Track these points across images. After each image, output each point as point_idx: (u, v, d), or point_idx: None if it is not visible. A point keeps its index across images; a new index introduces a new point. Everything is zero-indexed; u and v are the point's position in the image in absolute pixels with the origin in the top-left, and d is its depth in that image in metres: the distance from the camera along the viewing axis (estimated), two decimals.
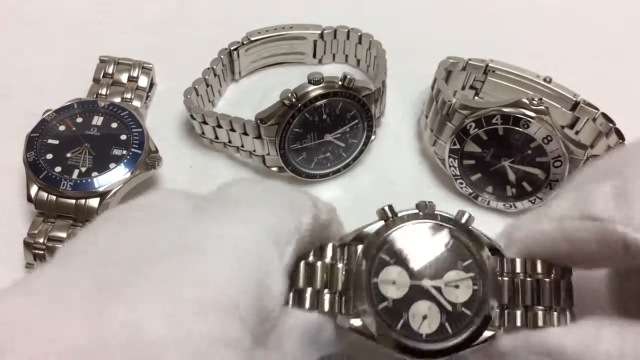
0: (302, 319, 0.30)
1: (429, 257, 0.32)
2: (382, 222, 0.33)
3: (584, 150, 0.43)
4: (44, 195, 0.43)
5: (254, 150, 0.46)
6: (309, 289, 0.31)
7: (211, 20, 0.59)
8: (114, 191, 0.43)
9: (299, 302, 0.31)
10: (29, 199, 0.43)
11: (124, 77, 0.50)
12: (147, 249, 0.26)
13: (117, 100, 0.49)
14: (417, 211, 0.33)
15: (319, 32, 0.53)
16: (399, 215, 0.33)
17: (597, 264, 0.32)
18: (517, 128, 0.43)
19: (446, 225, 0.33)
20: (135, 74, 0.50)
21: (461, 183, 0.47)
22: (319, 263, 0.32)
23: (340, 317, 0.31)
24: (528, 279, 0.32)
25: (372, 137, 0.48)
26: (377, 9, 0.61)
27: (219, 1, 0.61)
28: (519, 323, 0.32)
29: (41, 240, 0.42)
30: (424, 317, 0.31)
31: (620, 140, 0.45)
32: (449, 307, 0.31)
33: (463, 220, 0.33)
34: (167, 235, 0.27)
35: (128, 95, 0.49)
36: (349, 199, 0.48)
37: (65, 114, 0.46)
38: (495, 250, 0.33)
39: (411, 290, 0.31)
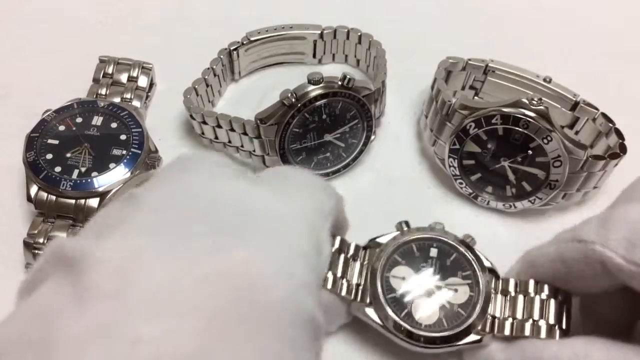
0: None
1: (435, 264, 0.39)
2: (396, 233, 0.40)
3: (584, 150, 0.43)
4: (44, 195, 0.43)
5: (254, 150, 0.46)
6: (330, 273, 0.37)
7: (211, 20, 0.59)
8: (113, 191, 0.43)
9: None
10: (29, 199, 0.43)
11: (123, 77, 0.50)
12: (237, 204, 0.29)
13: (117, 100, 0.49)
14: (428, 227, 0.40)
15: (319, 32, 0.53)
16: (412, 228, 0.40)
17: (589, 285, 0.35)
18: (516, 128, 0.43)
19: (452, 242, 0.40)
20: (135, 74, 0.50)
21: (461, 183, 0.47)
22: (342, 255, 0.38)
23: (355, 303, 0.38)
24: (520, 295, 0.38)
25: (372, 137, 0.48)
26: (377, 9, 0.61)
27: (219, 1, 0.61)
28: (507, 332, 0.37)
29: (41, 240, 0.42)
30: (424, 310, 0.38)
31: (620, 140, 0.45)
32: (447, 306, 0.38)
33: (468, 240, 0.40)
34: (253, 198, 0.30)
35: (128, 95, 0.49)
36: (349, 199, 0.48)
37: (65, 114, 0.47)
38: (492, 271, 0.39)
39: (417, 287, 0.38)
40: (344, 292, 0.37)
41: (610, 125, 0.46)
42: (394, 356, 0.40)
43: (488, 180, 0.46)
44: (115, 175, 0.44)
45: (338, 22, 0.53)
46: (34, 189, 0.43)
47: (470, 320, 0.37)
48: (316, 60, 0.55)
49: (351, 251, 0.39)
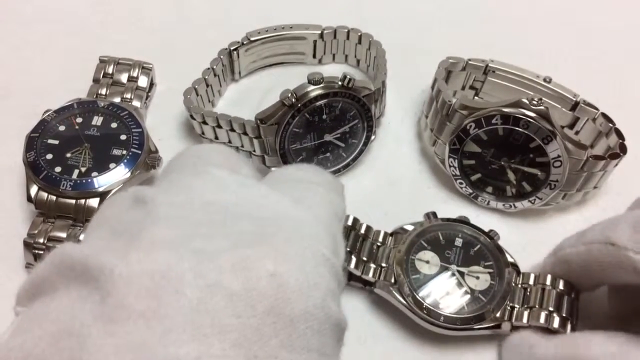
0: None
1: (459, 252, 0.42)
2: (423, 221, 0.43)
3: (584, 150, 0.43)
4: (44, 195, 0.43)
5: (254, 151, 0.46)
6: (353, 256, 0.41)
7: (211, 20, 0.59)
8: (113, 191, 0.43)
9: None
10: (29, 199, 0.43)
11: (123, 77, 0.50)
12: (255, 212, 0.29)
13: (117, 100, 0.49)
14: (455, 219, 0.43)
15: (319, 32, 0.53)
16: (439, 218, 0.43)
17: (614, 282, 0.38)
18: (517, 128, 0.43)
19: (478, 234, 0.42)
20: (135, 74, 0.50)
21: (461, 183, 0.47)
22: (368, 240, 0.42)
23: (380, 282, 0.41)
24: (537, 287, 0.40)
25: (372, 137, 0.48)
26: (377, 9, 0.61)
27: (219, 1, 0.61)
28: (524, 320, 0.39)
29: (41, 240, 0.42)
30: (447, 293, 0.40)
31: (620, 140, 0.45)
32: (468, 290, 0.40)
33: (492, 234, 0.42)
34: (269, 203, 0.30)
35: (128, 95, 0.49)
36: (349, 199, 0.48)
37: (65, 114, 0.47)
38: (514, 266, 0.41)
39: (440, 270, 0.41)
40: (370, 275, 0.41)
41: (611, 125, 0.46)
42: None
43: (488, 180, 0.46)
44: (116, 175, 0.44)
45: (338, 22, 0.53)
46: (34, 189, 0.43)
47: (490, 306, 0.39)
48: (316, 61, 0.55)
49: (380, 238, 0.43)
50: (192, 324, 0.23)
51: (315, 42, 0.54)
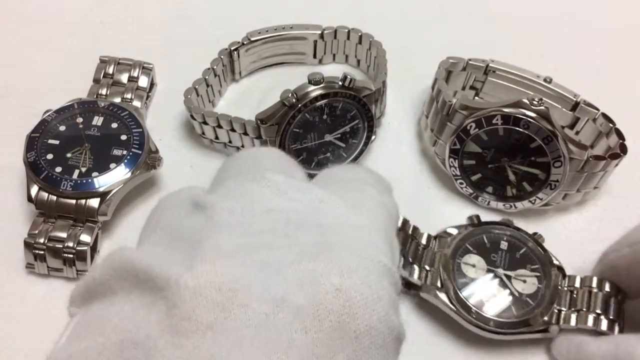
0: None
1: (505, 256, 0.42)
2: (466, 224, 0.43)
3: (584, 150, 0.43)
4: (45, 195, 0.43)
5: None
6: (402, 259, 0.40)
7: (211, 20, 0.59)
8: (114, 191, 0.43)
9: None
10: (29, 199, 0.43)
11: (124, 77, 0.50)
12: (314, 218, 0.28)
13: (117, 100, 0.49)
14: (499, 222, 0.43)
15: (319, 32, 0.53)
16: (483, 221, 0.43)
17: None
18: (517, 128, 0.43)
19: (522, 236, 0.42)
20: (135, 74, 0.50)
21: (461, 183, 0.47)
22: (413, 241, 0.41)
23: (426, 286, 0.40)
24: (584, 290, 0.40)
25: (373, 137, 0.48)
26: (377, 9, 0.61)
27: (219, 1, 0.61)
28: (573, 323, 0.39)
29: (41, 240, 0.42)
30: (494, 296, 0.40)
31: (620, 140, 0.45)
32: (516, 294, 0.40)
33: (537, 237, 0.42)
34: (327, 210, 0.29)
35: (128, 96, 0.49)
36: None
37: (65, 114, 0.46)
38: (560, 269, 0.41)
39: (486, 274, 0.41)
40: (415, 277, 0.40)
41: (611, 125, 0.46)
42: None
43: (488, 180, 0.46)
44: (116, 175, 0.44)
45: (338, 22, 0.53)
46: (34, 189, 0.43)
47: (537, 310, 0.39)
48: (316, 61, 0.55)
49: (424, 240, 0.42)
50: (260, 338, 0.23)
51: (315, 42, 0.54)
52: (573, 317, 0.39)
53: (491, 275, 0.41)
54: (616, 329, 0.39)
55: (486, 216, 0.47)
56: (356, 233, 0.28)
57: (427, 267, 0.41)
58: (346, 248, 0.27)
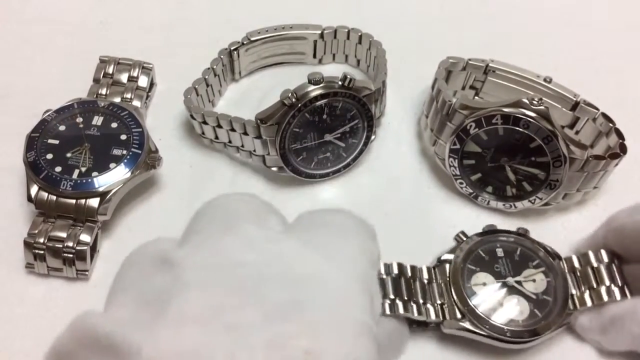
0: (385, 325, 0.35)
1: (506, 262, 0.41)
2: (455, 245, 0.42)
3: (584, 150, 0.43)
4: (44, 195, 0.43)
5: (254, 150, 0.46)
6: (413, 303, 0.39)
7: (211, 20, 0.59)
8: (114, 191, 0.43)
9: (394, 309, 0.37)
10: (29, 198, 0.43)
11: (124, 77, 0.50)
12: (286, 274, 0.27)
13: (117, 100, 0.49)
14: (483, 231, 0.43)
15: (319, 32, 0.53)
16: (470, 236, 0.42)
17: None
18: (517, 128, 0.43)
19: (512, 237, 0.42)
20: (135, 74, 0.50)
21: (461, 183, 0.47)
22: (417, 281, 0.40)
23: (447, 322, 0.39)
24: (587, 268, 0.41)
25: (372, 137, 0.48)
26: (377, 9, 0.61)
27: (219, 1, 0.61)
28: (589, 304, 0.40)
29: (41, 240, 0.42)
30: (517, 307, 0.40)
31: (621, 140, 0.45)
32: (533, 296, 0.40)
33: (523, 232, 0.42)
34: (300, 263, 0.28)
35: (128, 95, 0.49)
36: (349, 199, 0.48)
37: (65, 113, 0.46)
38: (556, 254, 0.42)
39: (500, 288, 0.40)
40: (433, 316, 0.39)
41: (611, 125, 0.46)
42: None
43: (488, 180, 0.46)
44: (116, 175, 0.44)
45: (338, 22, 0.53)
46: (34, 189, 0.43)
47: (559, 303, 0.40)
48: (316, 60, 0.55)
49: (425, 275, 0.41)
50: None
51: (315, 42, 0.54)
52: (587, 297, 0.40)
53: (503, 287, 0.40)
54: (627, 292, 0.40)
55: (486, 216, 0.47)
56: (330, 288, 0.27)
57: (439, 302, 0.40)
58: (318, 306, 0.25)
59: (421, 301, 0.39)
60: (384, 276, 0.39)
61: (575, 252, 0.43)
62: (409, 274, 0.40)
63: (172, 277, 0.26)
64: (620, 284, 0.40)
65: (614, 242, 0.41)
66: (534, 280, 0.41)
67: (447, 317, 0.39)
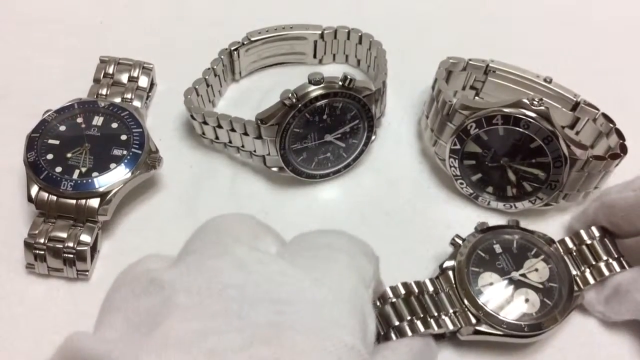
0: (413, 345, 0.36)
1: (506, 257, 0.42)
2: (453, 250, 0.42)
3: (585, 150, 0.43)
4: (45, 195, 0.43)
5: (255, 151, 0.46)
6: (431, 320, 0.38)
7: (211, 20, 0.59)
8: (114, 191, 0.43)
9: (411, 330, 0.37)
10: (30, 199, 0.43)
11: (124, 77, 0.50)
12: (271, 294, 0.27)
13: (118, 100, 0.49)
14: (475, 231, 0.42)
15: (320, 32, 0.53)
16: (466, 238, 0.42)
17: None
18: (517, 128, 0.43)
19: (506, 231, 0.42)
20: (135, 74, 0.50)
21: (461, 183, 0.47)
22: (426, 296, 0.39)
23: (464, 328, 0.39)
24: (582, 247, 0.42)
25: (373, 137, 0.48)
26: (377, 9, 0.61)
27: (219, 1, 0.61)
28: (591, 281, 0.41)
29: (42, 241, 0.42)
30: (527, 300, 0.40)
31: (621, 141, 0.45)
32: (540, 286, 0.41)
33: (513, 223, 0.42)
34: (287, 283, 0.28)
35: (128, 96, 0.49)
36: (349, 199, 0.48)
37: (66, 114, 0.46)
38: (550, 239, 0.42)
39: (507, 285, 0.41)
40: (450, 327, 0.39)
41: (611, 125, 0.46)
42: None
43: (489, 180, 0.46)
44: (116, 175, 0.44)
45: (338, 22, 0.53)
46: (34, 189, 0.43)
47: (565, 287, 0.40)
48: (317, 61, 0.55)
49: (430, 287, 0.40)
50: None
51: (315, 42, 0.54)
52: (589, 276, 0.41)
53: (510, 283, 0.41)
54: (624, 263, 0.41)
55: (486, 216, 0.47)
56: (315, 310, 0.26)
57: (452, 310, 0.39)
58: (302, 328, 0.25)
59: (436, 314, 0.39)
60: (394, 299, 0.38)
61: (567, 231, 0.44)
62: (416, 290, 0.39)
63: (160, 299, 0.27)
64: (616, 256, 0.41)
65: (604, 219, 0.42)
66: (536, 270, 0.41)
67: (462, 324, 0.39)
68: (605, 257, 0.41)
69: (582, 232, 0.42)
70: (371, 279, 0.32)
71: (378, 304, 0.38)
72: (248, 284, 0.28)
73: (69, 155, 0.44)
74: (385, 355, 0.33)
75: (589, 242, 0.42)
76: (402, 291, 0.39)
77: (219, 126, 0.46)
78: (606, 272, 0.41)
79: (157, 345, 0.24)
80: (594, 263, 0.41)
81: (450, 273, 0.41)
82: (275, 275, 0.28)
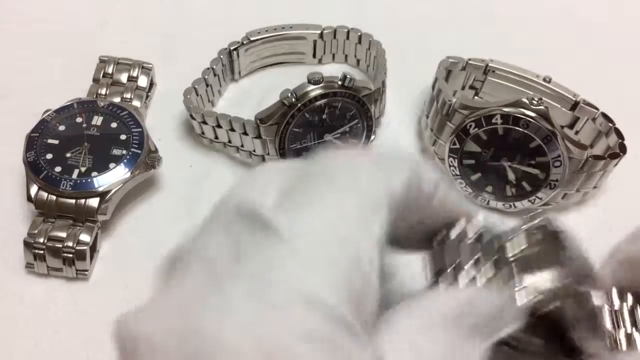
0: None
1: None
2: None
3: (584, 150, 0.43)
4: (44, 195, 0.43)
5: (254, 150, 0.46)
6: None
7: (211, 20, 0.59)
8: (113, 191, 0.43)
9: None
10: (29, 198, 0.43)
11: (123, 77, 0.50)
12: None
13: (117, 100, 0.49)
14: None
15: (319, 32, 0.53)
16: None
17: None
18: (517, 128, 0.43)
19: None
20: (135, 74, 0.50)
21: (461, 183, 0.47)
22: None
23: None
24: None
25: (372, 137, 0.48)
26: (377, 9, 0.61)
27: (219, 1, 0.61)
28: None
29: (41, 240, 0.42)
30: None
31: (620, 140, 0.45)
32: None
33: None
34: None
35: (128, 95, 0.49)
36: None
37: (65, 113, 0.46)
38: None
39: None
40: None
41: (610, 125, 0.46)
42: None
43: (488, 180, 0.46)
44: (116, 175, 0.44)
45: (338, 22, 0.53)
46: (34, 189, 0.43)
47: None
48: (316, 60, 0.55)
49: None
50: None
51: (315, 42, 0.54)
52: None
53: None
54: None
55: (486, 216, 0.47)
56: (293, 256, 0.21)
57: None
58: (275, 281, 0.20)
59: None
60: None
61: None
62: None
63: (271, 242, 0.21)
64: None
65: (625, 277, 0.32)
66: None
67: None
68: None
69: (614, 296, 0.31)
70: (392, 195, 0.23)
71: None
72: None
73: (68, 154, 0.44)
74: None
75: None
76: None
77: (218, 126, 0.46)
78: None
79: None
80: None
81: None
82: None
